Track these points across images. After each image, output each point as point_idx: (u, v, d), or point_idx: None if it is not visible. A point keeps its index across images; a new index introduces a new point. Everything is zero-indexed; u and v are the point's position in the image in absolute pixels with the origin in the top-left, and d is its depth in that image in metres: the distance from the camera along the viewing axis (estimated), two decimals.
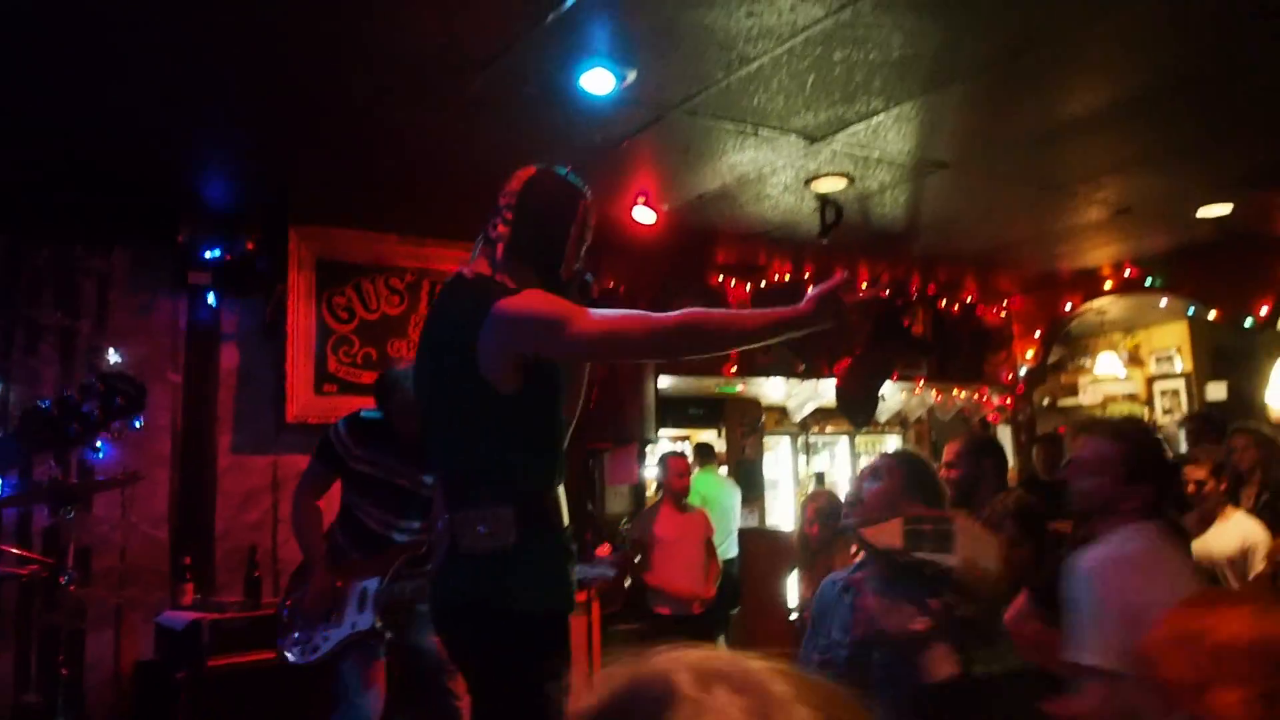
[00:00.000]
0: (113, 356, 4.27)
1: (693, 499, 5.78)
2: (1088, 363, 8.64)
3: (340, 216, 4.79)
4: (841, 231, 5.08)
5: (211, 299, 4.51)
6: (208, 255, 4.44)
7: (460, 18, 2.93)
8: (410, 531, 3.31)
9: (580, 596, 4.56)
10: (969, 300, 7.26)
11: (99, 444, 3.93)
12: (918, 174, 4.56)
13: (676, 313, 1.99)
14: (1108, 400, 8.73)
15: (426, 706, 3.35)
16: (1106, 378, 8.28)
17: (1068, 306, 7.19)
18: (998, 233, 5.73)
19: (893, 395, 7.08)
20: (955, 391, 7.27)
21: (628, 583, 4.67)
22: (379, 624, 3.19)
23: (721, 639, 5.87)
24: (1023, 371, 7.45)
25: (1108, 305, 7.13)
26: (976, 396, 7.39)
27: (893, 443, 8.41)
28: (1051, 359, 8.19)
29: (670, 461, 5.25)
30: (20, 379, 4.08)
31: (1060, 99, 3.78)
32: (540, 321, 1.99)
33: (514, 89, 3.37)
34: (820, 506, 4.53)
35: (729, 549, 5.97)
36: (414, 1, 2.84)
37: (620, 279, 5.50)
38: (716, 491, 6.19)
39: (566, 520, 2.15)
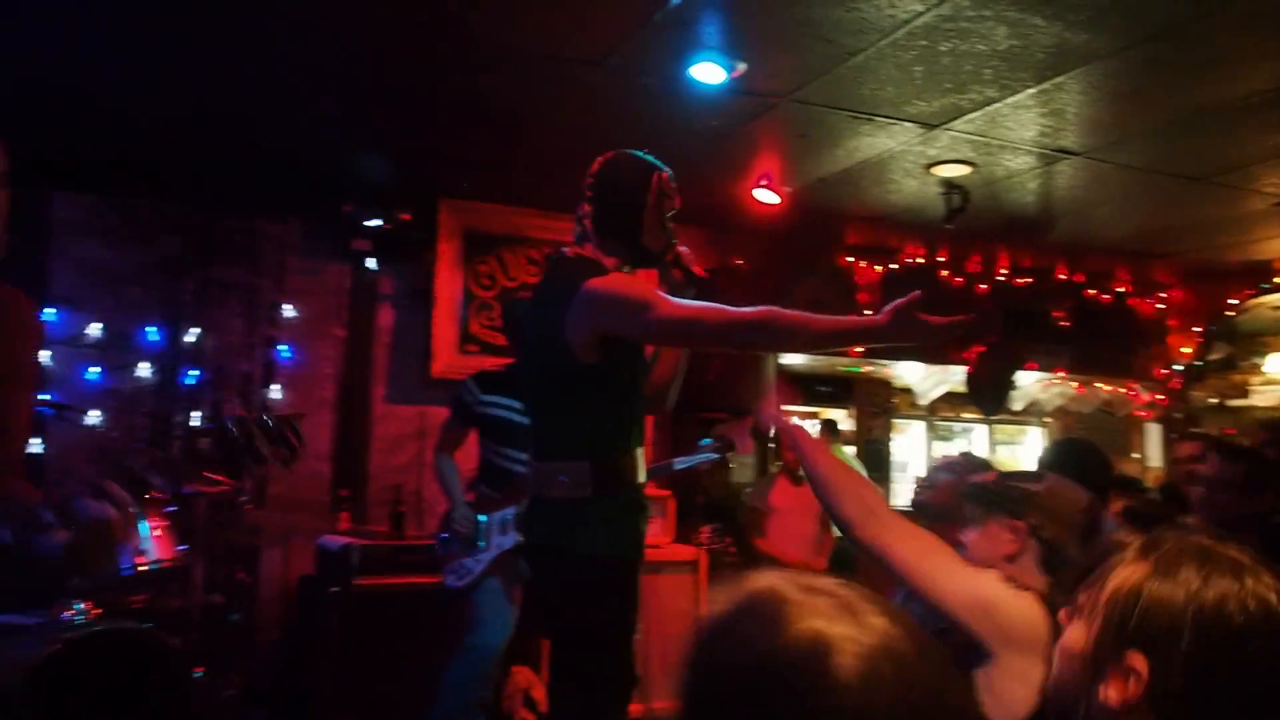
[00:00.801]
0: (288, 311, 4.95)
1: None
2: (1261, 362, 8.25)
3: (485, 192, 5.31)
4: (973, 216, 5.21)
5: (371, 264, 5.13)
6: (368, 225, 5.03)
7: (580, 18, 3.32)
8: (508, 458, 3.77)
9: (689, 551, 4.98)
10: (1120, 290, 7.12)
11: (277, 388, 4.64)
12: (1045, 161, 4.64)
13: (753, 309, 2.14)
14: None
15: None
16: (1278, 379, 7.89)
17: (1233, 301, 6.96)
18: (1144, 222, 5.67)
19: (1030, 384, 7.05)
20: (1099, 385, 7.16)
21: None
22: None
23: None
24: (1179, 368, 7.26)
25: None
26: (1123, 391, 7.25)
27: (1034, 434, 8.33)
28: (1216, 355, 7.90)
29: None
30: (213, 328, 4.80)
31: (1194, 87, 3.80)
32: (622, 303, 2.24)
33: (630, 80, 3.74)
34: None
35: None
36: (541, 6, 3.24)
37: (747, 258, 5.79)
38: None
39: (641, 479, 2.45)
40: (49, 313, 4.51)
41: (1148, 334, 7.26)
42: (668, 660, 3.95)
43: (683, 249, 2.52)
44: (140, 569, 3.56)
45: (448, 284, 5.25)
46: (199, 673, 3.70)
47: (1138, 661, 0.99)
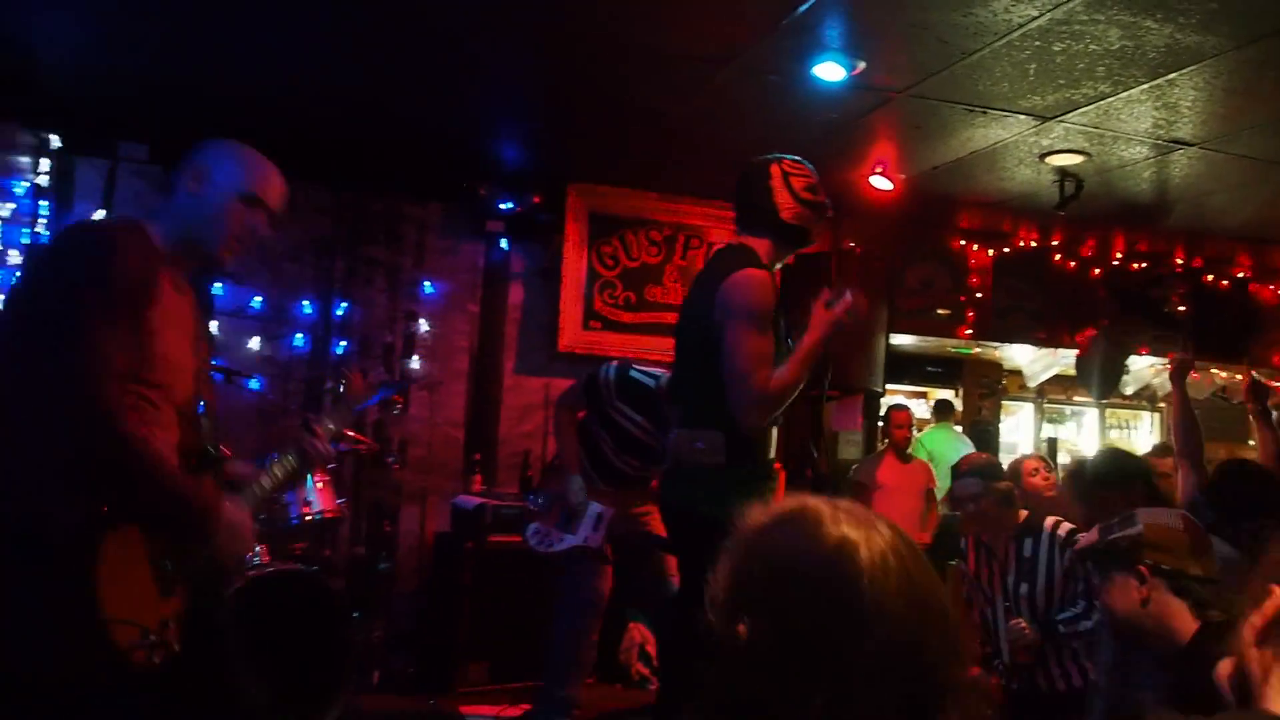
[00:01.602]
0: (428, 287, 5.42)
1: (919, 453, 6.27)
2: None
3: (610, 176, 5.68)
4: (1087, 203, 5.35)
5: (504, 244, 5.56)
6: (502, 208, 5.46)
7: (713, 22, 3.63)
8: (631, 467, 3.94)
9: None
10: (1240, 276, 7.10)
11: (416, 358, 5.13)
12: (1159, 151, 4.76)
13: (771, 383, 2.60)
14: None
15: (643, 587, 4.07)
16: None
17: None
18: (1261, 210, 5.69)
19: (1142, 368, 7.11)
20: (1214, 370, 7.16)
21: None
22: (604, 548, 3.88)
23: None
24: None
25: None
26: (1239, 378, 7.22)
27: (1147, 419, 8.34)
28: None
29: (893, 414, 5.79)
30: (360, 301, 5.31)
31: None
32: (730, 307, 2.63)
33: (755, 78, 4.04)
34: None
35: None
36: (671, 8, 3.56)
37: (861, 241, 6.03)
38: (944, 448, 6.59)
39: (771, 453, 2.80)
40: (217, 287, 5.06)
41: (1267, 320, 7.21)
42: None
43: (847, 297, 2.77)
44: (306, 518, 4.08)
45: (574, 263, 5.66)
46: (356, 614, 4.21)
47: None
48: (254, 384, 4.93)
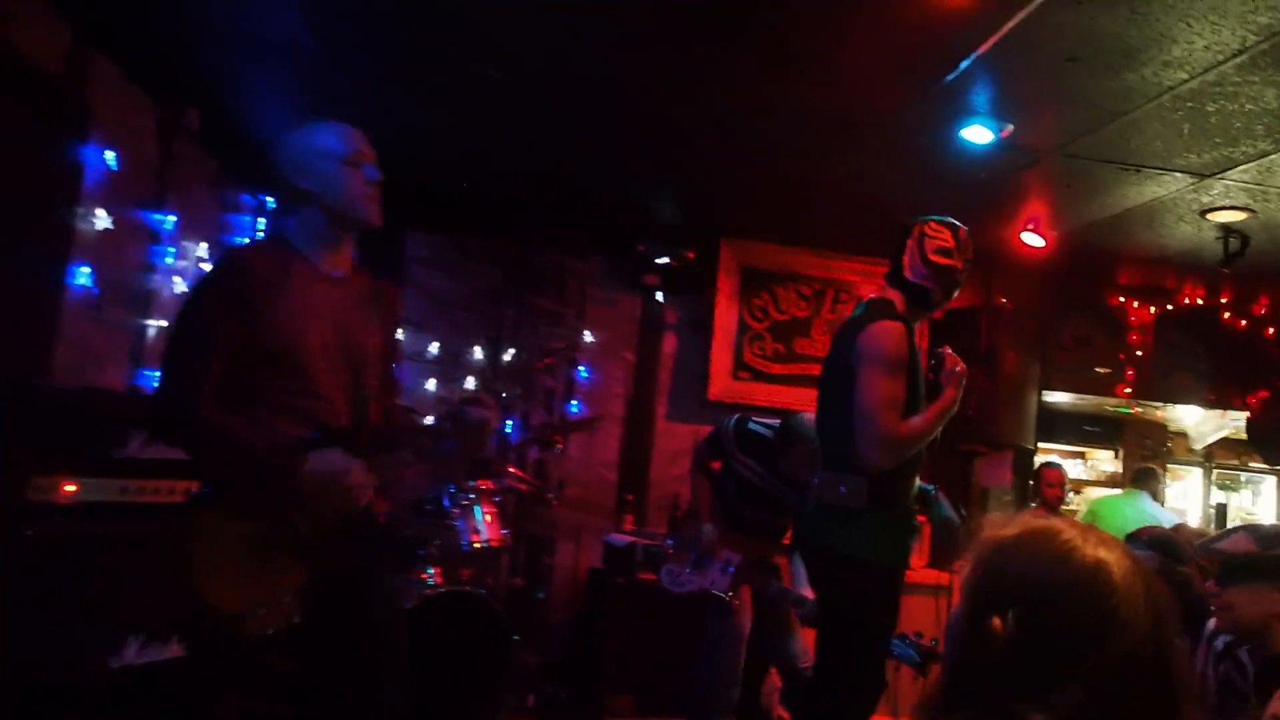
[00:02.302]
0: (588, 337, 5.83)
1: (1085, 514, 6.20)
2: None
3: (761, 231, 5.98)
4: (1257, 259, 5.30)
5: (659, 296, 5.93)
6: (658, 262, 5.82)
7: (867, 88, 3.90)
8: (755, 515, 4.17)
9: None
10: None
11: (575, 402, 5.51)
12: None
13: (900, 431, 2.85)
14: None
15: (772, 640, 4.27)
16: None
17: None
18: None
19: None
20: None
21: None
22: (730, 597, 4.10)
23: None
24: None
25: None
26: None
27: None
28: None
29: (1044, 472, 5.79)
30: (525, 347, 5.76)
31: None
32: (864, 353, 2.89)
33: (905, 141, 4.27)
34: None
35: None
36: (824, 77, 3.84)
37: (1013, 297, 6.10)
38: (1108, 512, 6.36)
39: (911, 500, 3.02)
40: (399, 334, 5.60)
41: None
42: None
43: (945, 351, 3.03)
44: (475, 545, 4.47)
45: (725, 315, 5.97)
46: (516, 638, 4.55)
47: None
48: (427, 421, 5.41)
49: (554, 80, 4.08)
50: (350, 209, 2.43)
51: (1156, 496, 6.59)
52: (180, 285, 4.44)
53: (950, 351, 3.02)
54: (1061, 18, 3.17)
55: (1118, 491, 6.81)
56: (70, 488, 2.90)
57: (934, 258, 3.00)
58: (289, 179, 2.42)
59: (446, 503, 4.28)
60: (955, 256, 3.02)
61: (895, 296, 3.04)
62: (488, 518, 4.48)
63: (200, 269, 4.63)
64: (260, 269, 2.36)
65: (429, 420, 3.07)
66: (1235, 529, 2.73)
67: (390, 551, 4.04)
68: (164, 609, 2.35)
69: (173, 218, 4.41)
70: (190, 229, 4.60)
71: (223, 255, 2.67)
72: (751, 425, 4.19)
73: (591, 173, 5.22)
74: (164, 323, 4.36)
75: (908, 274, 3.04)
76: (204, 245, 4.74)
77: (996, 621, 1.15)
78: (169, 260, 4.44)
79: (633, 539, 5.22)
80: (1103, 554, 1.16)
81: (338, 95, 4.47)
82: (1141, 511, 6.35)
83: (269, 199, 5.38)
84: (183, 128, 4.52)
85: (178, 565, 2.18)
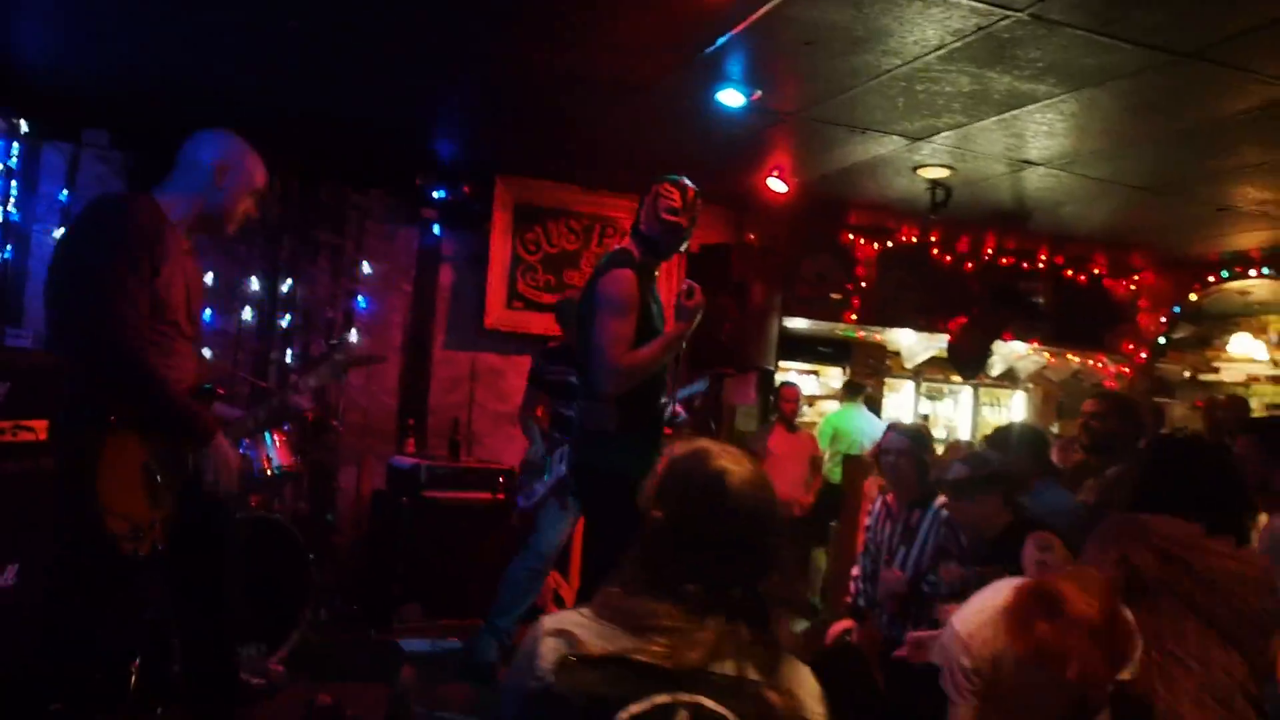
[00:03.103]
0: (366, 268, 6.10)
1: (824, 426, 7.18)
2: (1226, 341, 9.32)
3: (536, 169, 6.42)
4: (958, 208, 6.31)
5: (436, 230, 6.26)
6: (435, 196, 6.15)
7: (630, 58, 4.39)
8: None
9: None
10: (1096, 273, 8.20)
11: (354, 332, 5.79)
12: (1013, 169, 5.71)
13: (623, 360, 3.30)
14: (1251, 380, 9.40)
15: None
16: (1241, 358, 8.98)
17: (1199, 287, 8.01)
18: (1106, 220, 6.75)
19: (1007, 353, 8.17)
20: (1069, 356, 8.29)
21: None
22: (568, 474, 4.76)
23: (821, 549, 7.32)
24: (1146, 344, 8.37)
25: (1254, 287, 7.81)
26: (1091, 363, 8.38)
27: (1018, 399, 9.47)
28: (1188, 334, 9.00)
29: (782, 390, 6.70)
30: (305, 280, 5.95)
31: (1130, 122, 4.79)
32: (599, 298, 3.35)
33: (669, 102, 4.83)
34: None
35: (835, 473, 7.28)
36: (603, 42, 4.30)
37: (760, 235, 6.90)
38: (845, 424, 7.41)
39: (657, 420, 3.55)
40: None
41: (1119, 312, 8.36)
42: None
43: (693, 286, 3.48)
44: (267, 473, 4.75)
45: (500, 248, 6.40)
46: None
47: None
48: (206, 353, 5.54)
49: (338, 21, 4.28)
50: (227, 223, 2.89)
51: (867, 403, 7.84)
52: None
53: (695, 286, 3.43)
54: (800, 10, 3.79)
55: (838, 406, 7.88)
56: None
57: (665, 216, 3.48)
58: (201, 166, 2.82)
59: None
60: (682, 215, 3.49)
61: (633, 247, 3.53)
62: (279, 443, 4.76)
63: None
64: (149, 223, 2.66)
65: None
66: (954, 460, 3.56)
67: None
68: (56, 531, 2.58)
69: None
70: None
71: (116, 203, 2.85)
72: (550, 346, 5.13)
73: (371, 109, 5.44)
74: None
75: (643, 228, 3.53)
76: None
77: (656, 514, 1.64)
78: None
79: (416, 460, 5.64)
80: (726, 464, 1.64)
81: (102, 31, 4.47)
82: (866, 418, 7.53)
83: (23, 123, 5.26)
84: None
85: (81, 485, 2.46)
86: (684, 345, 3.50)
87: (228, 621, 3.05)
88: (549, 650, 1.51)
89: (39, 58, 4.90)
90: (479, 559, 5.48)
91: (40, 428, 3.38)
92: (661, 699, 1.45)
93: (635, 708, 1.43)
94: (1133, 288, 8.40)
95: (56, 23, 4.46)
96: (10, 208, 5.13)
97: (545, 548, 4.85)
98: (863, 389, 7.75)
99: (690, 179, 3.59)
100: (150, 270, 2.64)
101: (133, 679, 3.90)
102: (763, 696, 1.50)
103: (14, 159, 5.16)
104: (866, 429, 7.36)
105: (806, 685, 1.58)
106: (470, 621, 5.14)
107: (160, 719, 3.79)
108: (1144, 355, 8.40)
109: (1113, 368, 8.47)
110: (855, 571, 4.37)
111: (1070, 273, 8.13)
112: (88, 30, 4.51)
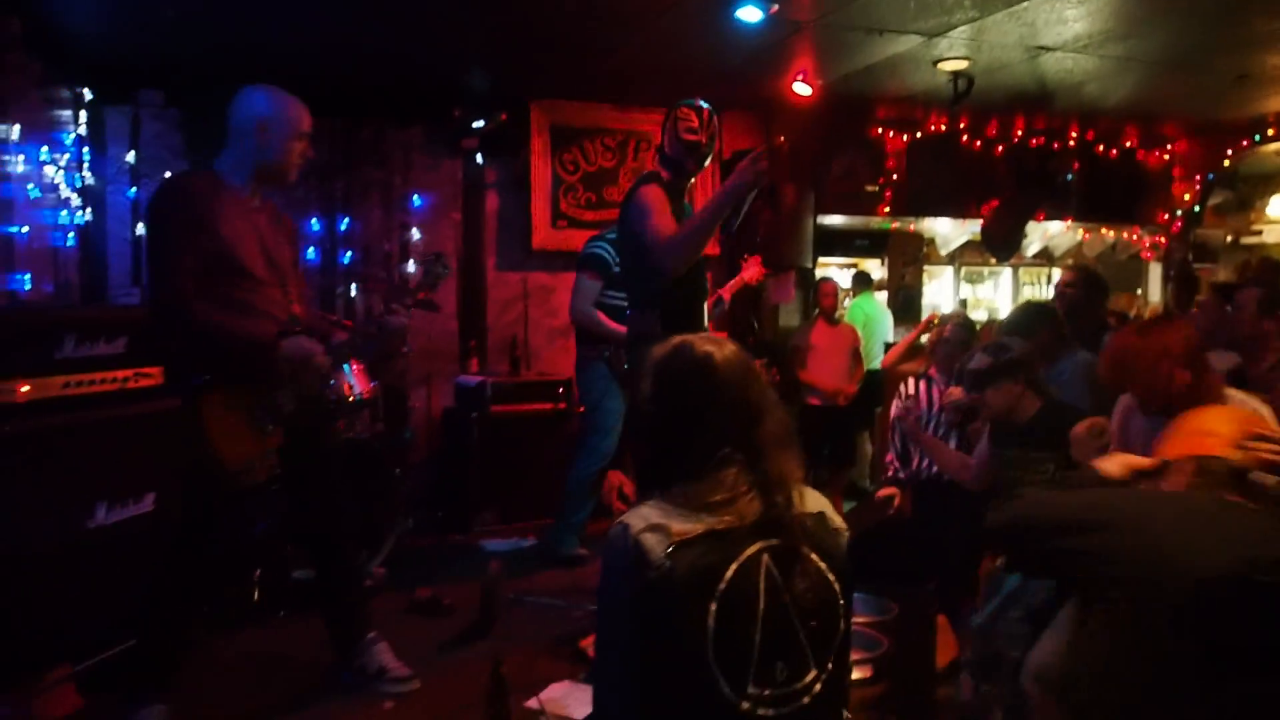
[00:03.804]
0: (416, 201, 6.53)
1: (853, 317, 7.58)
2: (1265, 203, 9.49)
3: (567, 92, 6.76)
4: (983, 94, 6.55)
5: (478, 159, 6.66)
6: (475, 126, 6.53)
7: None
8: None
9: None
10: (1128, 145, 8.38)
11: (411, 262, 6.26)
12: (1029, 55, 5.94)
13: (673, 232, 3.60)
14: None
15: None
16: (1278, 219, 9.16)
17: (1232, 152, 8.18)
18: (1137, 93, 6.94)
19: (1043, 231, 8.45)
20: (1103, 230, 8.53)
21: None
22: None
23: (867, 433, 7.79)
24: (1180, 213, 8.58)
25: None
26: (1126, 235, 8.61)
27: (1056, 274, 9.74)
28: (1226, 199, 9.18)
29: (820, 285, 7.06)
30: (359, 217, 6.41)
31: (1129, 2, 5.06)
32: (636, 209, 3.74)
33: (691, 20, 5.14)
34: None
35: (878, 360, 7.71)
36: None
37: (789, 136, 7.19)
38: (871, 311, 7.87)
39: (705, 324, 3.98)
40: None
41: (1152, 183, 8.55)
42: None
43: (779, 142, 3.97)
44: (349, 399, 5.28)
45: (540, 171, 6.80)
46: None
47: None
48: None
49: None
50: (283, 171, 3.24)
51: (877, 290, 8.28)
52: (34, 191, 4.86)
53: (763, 151, 3.60)
54: None
55: (864, 296, 8.17)
56: (25, 388, 3.53)
57: (685, 137, 3.84)
58: (246, 128, 3.15)
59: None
60: (700, 133, 3.84)
61: (659, 168, 3.92)
62: (356, 371, 5.28)
63: (44, 170, 5.03)
64: (202, 192, 3.10)
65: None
66: (976, 350, 3.89)
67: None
68: (181, 468, 3.13)
69: (18, 126, 4.77)
70: (29, 133, 4.95)
71: (170, 182, 3.31)
72: (608, 235, 5.19)
73: (405, 46, 5.79)
74: (25, 228, 4.80)
75: (667, 150, 3.91)
76: (45, 148, 5.09)
77: (660, 409, 1.93)
78: (20, 168, 4.82)
79: (481, 378, 6.16)
80: (709, 348, 1.91)
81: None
82: (875, 304, 7.90)
83: (86, 91, 5.70)
84: (9, 36, 4.80)
85: (197, 435, 2.98)
86: (743, 202, 3.62)
87: (348, 528, 3.59)
88: (654, 544, 1.75)
89: (93, 29, 5.31)
90: (544, 464, 6.02)
91: (156, 373, 3.96)
92: (750, 550, 1.81)
93: (734, 565, 1.79)
94: (1166, 158, 8.56)
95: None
96: (85, 172, 5.60)
97: (606, 449, 5.32)
98: (868, 279, 8.12)
99: (716, 89, 3.97)
100: (204, 239, 3.05)
101: (255, 588, 4.56)
102: (804, 522, 1.86)
103: (82, 126, 5.61)
104: (878, 315, 7.80)
105: (821, 502, 1.94)
106: (541, 521, 5.72)
107: (282, 620, 4.44)
108: (1179, 224, 8.60)
109: (1148, 239, 8.70)
110: (889, 456, 4.88)
111: (1101, 148, 8.32)
112: (137, 5, 4.92)
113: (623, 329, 5.01)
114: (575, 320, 5.36)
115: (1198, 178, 8.47)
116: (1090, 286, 4.70)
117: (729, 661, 1.74)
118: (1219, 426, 2.16)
